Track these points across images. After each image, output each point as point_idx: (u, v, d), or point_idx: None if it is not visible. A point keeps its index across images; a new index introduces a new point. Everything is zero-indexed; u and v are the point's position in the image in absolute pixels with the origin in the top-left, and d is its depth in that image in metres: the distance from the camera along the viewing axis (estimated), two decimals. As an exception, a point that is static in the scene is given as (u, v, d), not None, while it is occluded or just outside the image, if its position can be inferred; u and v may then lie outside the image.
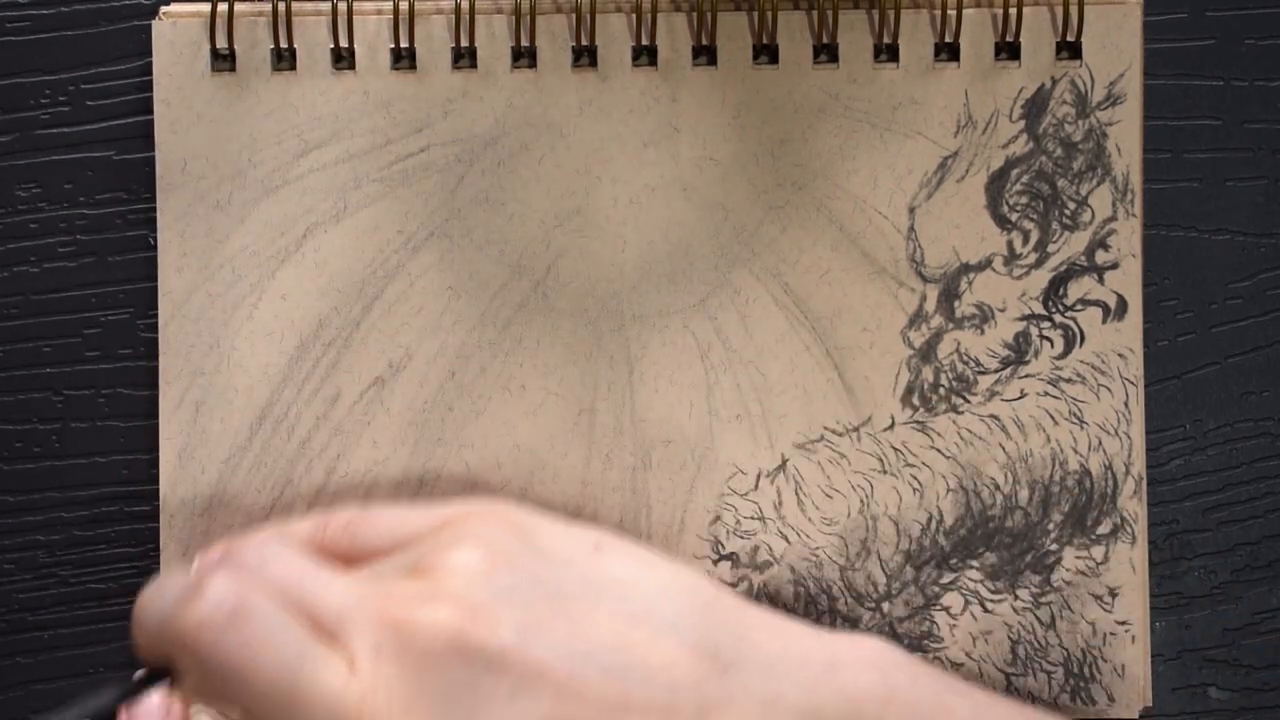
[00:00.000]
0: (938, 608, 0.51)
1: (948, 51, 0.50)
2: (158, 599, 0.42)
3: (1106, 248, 0.50)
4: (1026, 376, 0.51)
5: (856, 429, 0.50)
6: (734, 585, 0.50)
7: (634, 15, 0.50)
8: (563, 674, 0.40)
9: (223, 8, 0.50)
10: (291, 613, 0.40)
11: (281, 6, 0.50)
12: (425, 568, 0.42)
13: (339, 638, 0.40)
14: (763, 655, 0.42)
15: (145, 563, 0.51)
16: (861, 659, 0.42)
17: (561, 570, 0.43)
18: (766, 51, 0.50)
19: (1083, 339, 0.51)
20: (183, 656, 0.41)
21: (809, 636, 0.42)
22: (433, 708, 0.39)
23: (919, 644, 0.51)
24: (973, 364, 0.51)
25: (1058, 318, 0.51)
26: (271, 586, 0.41)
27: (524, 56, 0.50)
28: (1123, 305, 0.51)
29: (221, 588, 0.40)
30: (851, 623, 0.50)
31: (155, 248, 0.51)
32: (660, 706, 0.40)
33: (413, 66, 0.50)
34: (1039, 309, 0.51)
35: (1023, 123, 0.50)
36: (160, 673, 0.42)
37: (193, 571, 0.43)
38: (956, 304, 0.50)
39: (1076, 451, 0.51)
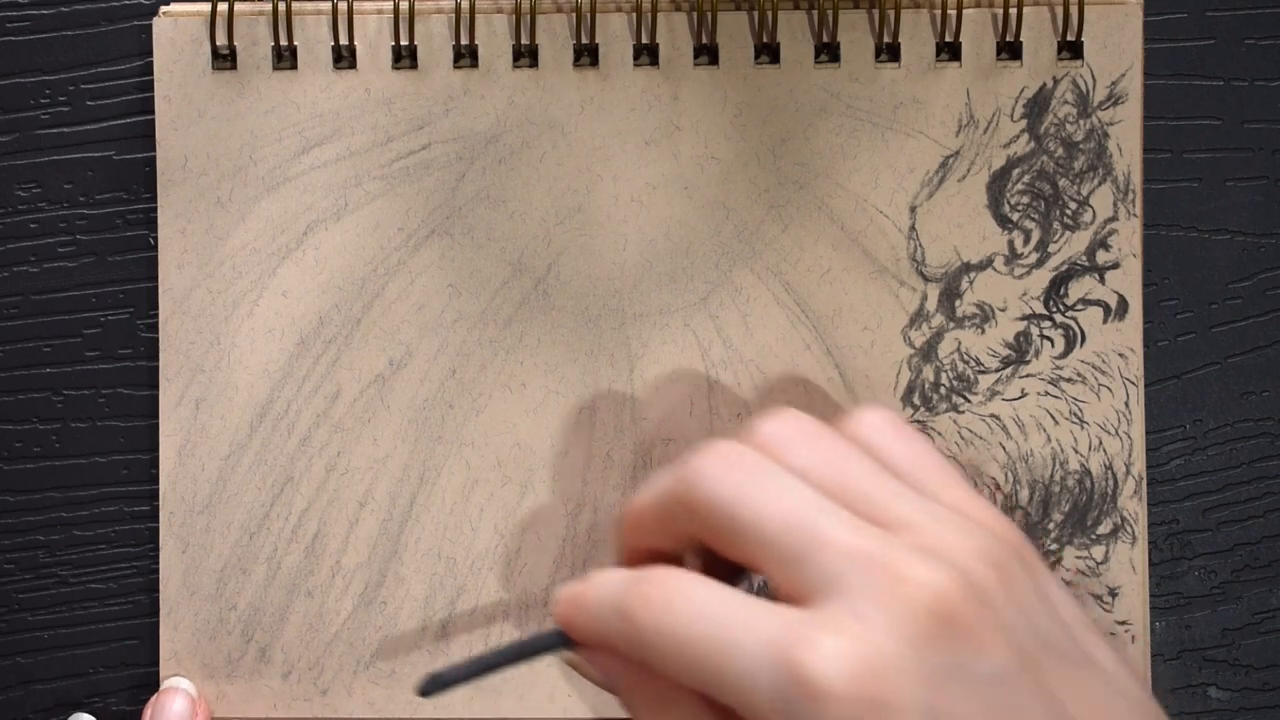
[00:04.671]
0: (938, 607, 0.51)
1: (949, 51, 0.50)
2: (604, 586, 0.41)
3: (1107, 247, 0.50)
4: (1027, 376, 0.51)
5: (857, 428, 0.50)
6: (733, 585, 0.50)
7: (635, 14, 0.50)
8: None
9: (223, 6, 0.50)
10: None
11: (282, 5, 0.50)
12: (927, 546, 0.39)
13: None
14: None
15: (145, 562, 0.51)
16: None
17: (1055, 625, 0.40)
18: (768, 51, 0.50)
19: (1083, 339, 0.51)
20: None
21: None
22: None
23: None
24: (973, 363, 0.51)
25: (1058, 317, 0.51)
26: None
27: (525, 55, 0.50)
28: (1123, 305, 0.51)
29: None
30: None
31: (155, 247, 0.51)
32: None
33: (414, 65, 0.50)
34: (1040, 308, 0.51)
35: (1024, 122, 0.50)
36: (563, 641, 0.42)
37: None
38: (957, 303, 0.50)
39: (1077, 451, 0.51)
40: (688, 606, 0.39)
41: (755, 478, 0.39)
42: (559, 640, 0.42)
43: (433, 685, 0.44)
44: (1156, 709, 0.40)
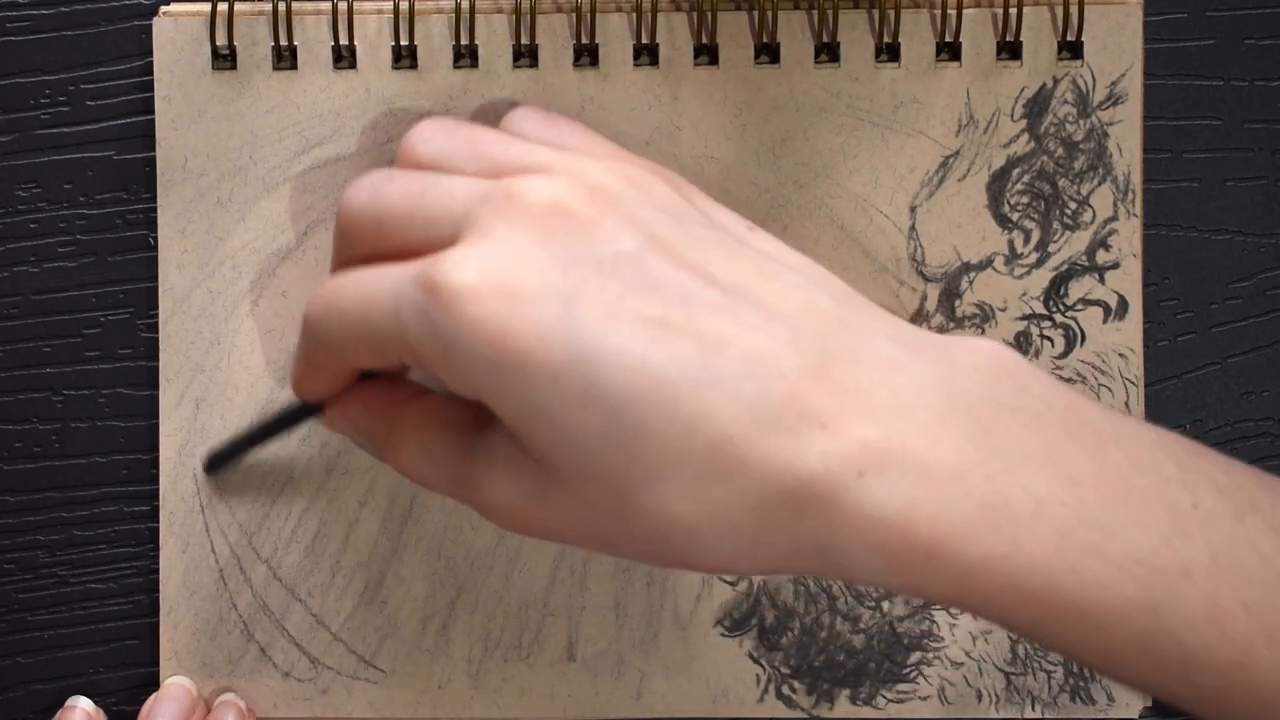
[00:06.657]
0: (937, 607, 0.51)
1: (949, 51, 0.50)
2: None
3: (1107, 247, 0.50)
4: (1027, 376, 0.51)
5: (857, 428, 0.50)
6: (733, 585, 0.50)
7: (635, 14, 0.50)
8: (677, 292, 0.38)
9: (223, 6, 0.50)
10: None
11: (282, 5, 0.50)
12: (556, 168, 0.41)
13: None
14: (890, 329, 0.40)
15: (145, 562, 0.51)
16: (981, 346, 0.40)
17: (706, 222, 0.42)
18: (767, 51, 0.50)
19: (1083, 339, 0.51)
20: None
21: (926, 332, 0.41)
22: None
23: (919, 643, 0.50)
24: (973, 363, 0.50)
25: (1058, 317, 0.51)
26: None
27: (525, 55, 0.50)
28: (1123, 305, 0.51)
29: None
30: (852, 621, 0.50)
31: (155, 247, 0.51)
32: (779, 341, 0.38)
33: (414, 65, 0.50)
34: (1040, 308, 0.51)
35: (1024, 122, 0.50)
36: (313, 407, 0.46)
37: None
38: (957, 303, 0.50)
39: (1077, 451, 0.51)
40: (345, 283, 0.42)
41: (386, 179, 0.43)
42: (306, 408, 0.46)
43: (213, 464, 0.50)
44: (826, 274, 0.42)
